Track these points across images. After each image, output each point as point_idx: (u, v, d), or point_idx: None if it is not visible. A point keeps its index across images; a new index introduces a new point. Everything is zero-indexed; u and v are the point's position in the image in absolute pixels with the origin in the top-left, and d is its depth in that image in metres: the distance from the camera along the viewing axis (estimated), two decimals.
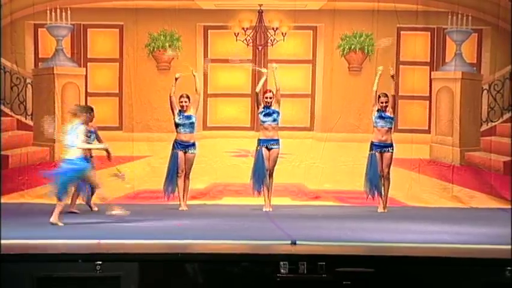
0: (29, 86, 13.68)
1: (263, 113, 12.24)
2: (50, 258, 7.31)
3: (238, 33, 13.74)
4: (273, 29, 13.77)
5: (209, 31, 13.90)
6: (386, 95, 12.10)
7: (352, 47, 13.76)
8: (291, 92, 13.48)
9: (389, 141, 12.20)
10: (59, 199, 10.01)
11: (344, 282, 7.24)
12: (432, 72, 13.85)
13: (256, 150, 12.28)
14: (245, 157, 13.39)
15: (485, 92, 13.84)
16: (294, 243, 8.11)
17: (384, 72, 12.16)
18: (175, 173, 12.18)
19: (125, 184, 13.43)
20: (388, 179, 12.21)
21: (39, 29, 13.68)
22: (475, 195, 13.57)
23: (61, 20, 13.56)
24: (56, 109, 13.40)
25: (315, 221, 11.05)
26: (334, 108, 13.76)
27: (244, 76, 13.82)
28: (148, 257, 7.48)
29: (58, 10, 13.54)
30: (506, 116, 13.79)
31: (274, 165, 12.27)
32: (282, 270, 7.22)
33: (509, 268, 7.19)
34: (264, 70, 12.61)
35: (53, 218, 9.91)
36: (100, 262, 7.15)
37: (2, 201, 12.24)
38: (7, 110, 13.57)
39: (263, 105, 12.22)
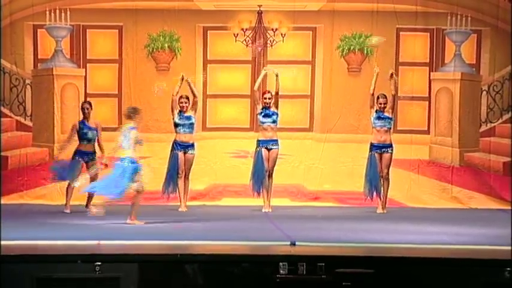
0: (29, 86, 13.68)
1: (262, 114, 12.25)
2: (50, 259, 7.30)
3: (237, 34, 13.74)
4: (272, 29, 13.77)
5: (208, 32, 13.91)
6: (385, 96, 12.12)
7: (352, 47, 13.76)
8: (291, 92, 13.48)
9: (388, 142, 12.21)
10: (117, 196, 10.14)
11: (343, 283, 7.23)
12: (431, 73, 13.86)
13: (256, 151, 12.28)
14: (244, 158, 13.39)
15: (484, 92, 13.84)
16: (293, 244, 8.10)
17: (381, 73, 12.20)
18: (175, 173, 12.18)
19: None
20: (388, 179, 12.21)
21: (39, 30, 13.68)
22: (474, 196, 13.57)
23: (60, 20, 13.56)
24: (56, 110, 13.40)
25: (315, 222, 11.05)
26: (333, 109, 13.76)
27: (244, 77, 13.83)
28: (148, 257, 7.47)
29: (57, 11, 13.54)
30: (506, 116, 13.79)
31: (273, 166, 12.27)
32: (282, 271, 7.22)
33: (508, 269, 7.18)
34: (264, 71, 12.59)
35: (131, 218, 10.10)
36: (99, 263, 7.14)
37: (2, 202, 12.23)
38: (6, 111, 13.56)
39: (262, 106, 12.23)
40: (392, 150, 12.22)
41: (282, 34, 13.76)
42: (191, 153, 12.27)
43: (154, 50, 13.71)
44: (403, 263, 7.47)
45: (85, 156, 12.03)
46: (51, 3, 13.56)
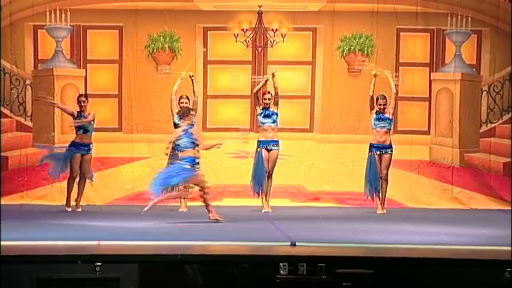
0: (29, 87, 13.68)
1: (262, 115, 12.26)
2: (50, 260, 7.30)
3: (237, 35, 13.74)
4: (272, 30, 13.77)
5: (209, 32, 13.90)
6: (384, 97, 12.14)
7: (352, 48, 13.76)
8: (291, 93, 13.49)
9: (388, 143, 12.22)
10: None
11: (344, 284, 7.23)
12: (432, 74, 13.85)
13: (256, 151, 12.29)
14: (245, 158, 13.39)
15: (484, 93, 13.84)
16: (293, 244, 8.09)
17: (380, 74, 12.24)
18: None
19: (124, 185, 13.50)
20: (387, 180, 12.22)
21: (39, 31, 13.67)
22: (474, 197, 13.58)
23: (60, 21, 13.56)
24: (56, 110, 13.38)
25: (315, 223, 11.05)
26: (333, 109, 13.76)
27: (244, 77, 13.82)
28: (148, 258, 7.47)
29: (57, 11, 13.54)
30: (506, 117, 13.79)
31: (273, 167, 12.28)
32: (282, 272, 7.22)
33: (508, 269, 7.18)
34: (266, 77, 12.62)
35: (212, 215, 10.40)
36: (99, 263, 7.14)
37: (2, 202, 12.24)
38: (7, 111, 13.56)
39: (262, 106, 12.24)
40: (392, 151, 12.24)
41: (282, 35, 13.76)
42: None
43: (155, 50, 13.71)
44: (403, 264, 7.47)
45: (82, 148, 12.09)
46: (51, 4, 13.56)
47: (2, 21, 13.31)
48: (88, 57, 13.81)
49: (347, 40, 13.75)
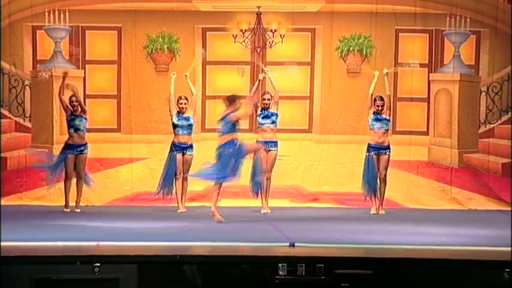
0: (27, 87, 13.67)
1: (261, 116, 12.26)
2: (49, 260, 7.30)
3: (236, 35, 13.73)
4: (271, 31, 13.77)
5: (207, 33, 13.90)
6: (382, 98, 12.17)
7: (351, 48, 13.75)
8: (290, 94, 13.48)
9: (386, 144, 12.23)
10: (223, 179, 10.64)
11: (343, 284, 7.23)
12: (430, 74, 13.85)
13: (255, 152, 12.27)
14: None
15: (483, 93, 13.84)
16: (292, 245, 8.09)
17: (380, 75, 12.26)
18: (173, 175, 12.18)
19: (123, 186, 13.49)
20: (385, 181, 12.22)
21: (38, 31, 13.66)
22: (473, 197, 13.57)
23: (59, 22, 13.55)
24: (54, 111, 13.38)
25: (314, 223, 11.05)
26: (332, 110, 13.75)
27: (243, 78, 13.81)
28: (147, 259, 7.46)
29: (56, 12, 13.53)
30: (505, 117, 13.79)
31: (271, 168, 12.27)
32: (281, 272, 7.22)
33: (507, 270, 7.18)
34: (260, 77, 12.62)
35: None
36: (98, 264, 7.14)
37: (1, 203, 12.23)
38: (5, 112, 13.55)
39: (261, 107, 12.24)
40: (389, 151, 12.24)
41: (281, 35, 13.76)
42: (189, 155, 12.27)
43: (154, 51, 13.70)
44: (402, 264, 7.47)
45: (75, 149, 12.11)
46: (50, 5, 13.55)
47: (1, 21, 13.30)
48: (87, 58, 13.80)
49: (346, 41, 13.75)
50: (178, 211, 12.12)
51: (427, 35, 13.84)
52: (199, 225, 10.55)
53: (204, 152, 13.24)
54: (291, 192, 13.55)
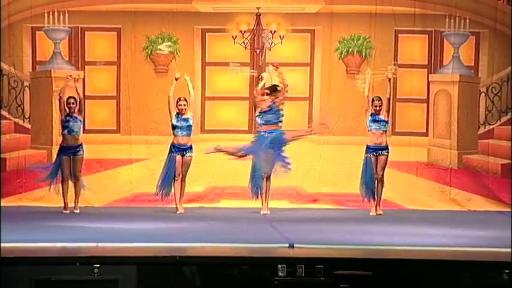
0: (27, 89, 13.67)
1: (261, 117, 12.23)
2: (48, 262, 7.29)
3: (236, 36, 13.74)
4: (270, 31, 13.77)
5: (207, 34, 13.90)
6: (380, 99, 12.17)
7: (350, 50, 13.76)
8: (289, 94, 13.46)
9: (384, 144, 12.23)
10: None
11: (342, 285, 7.23)
12: (430, 75, 13.85)
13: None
14: (243, 160, 13.36)
15: (482, 94, 13.84)
16: (292, 246, 8.09)
17: (378, 75, 12.26)
18: (172, 176, 12.18)
19: (122, 187, 13.49)
20: (382, 181, 12.23)
21: (37, 32, 13.66)
22: (472, 198, 13.58)
23: (59, 23, 13.55)
24: (54, 112, 13.38)
25: (313, 224, 11.05)
26: (332, 111, 13.75)
27: (242, 79, 13.81)
28: (147, 260, 7.46)
29: (56, 13, 13.53)
30: (504, 118, 13.79)
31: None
32: (280, 273, 7.21)
33: (507, 271, 7.18)
34: (264, 74, 12.62)
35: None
36: (98, 265, 7.14)
37: (0, 204, 12.24)
38: (5, 113, 13.55)
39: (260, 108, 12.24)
40: (388, 152, 12.24)
41: (280, 36, 13.76)
42: (189, 156, 12.27)
43: (153, 52, 13.70)
44: (401, 265, 7.47)
45: (70, 150, 12.12)
46: (49, 6, 13.55)
47: (0, 22, 13.30)
48: (86, 59, 13.80)
49: (345, 42, 13.75)
50: (178, 212, 12.12)
51: (427, 36, 13.85)
52: (199, 226, 10.55)
53: (204, 153, 13.29)
54: (291, 193, 13.55)
